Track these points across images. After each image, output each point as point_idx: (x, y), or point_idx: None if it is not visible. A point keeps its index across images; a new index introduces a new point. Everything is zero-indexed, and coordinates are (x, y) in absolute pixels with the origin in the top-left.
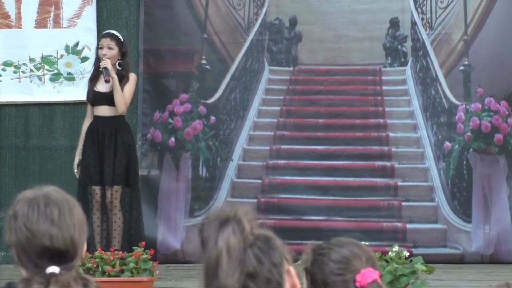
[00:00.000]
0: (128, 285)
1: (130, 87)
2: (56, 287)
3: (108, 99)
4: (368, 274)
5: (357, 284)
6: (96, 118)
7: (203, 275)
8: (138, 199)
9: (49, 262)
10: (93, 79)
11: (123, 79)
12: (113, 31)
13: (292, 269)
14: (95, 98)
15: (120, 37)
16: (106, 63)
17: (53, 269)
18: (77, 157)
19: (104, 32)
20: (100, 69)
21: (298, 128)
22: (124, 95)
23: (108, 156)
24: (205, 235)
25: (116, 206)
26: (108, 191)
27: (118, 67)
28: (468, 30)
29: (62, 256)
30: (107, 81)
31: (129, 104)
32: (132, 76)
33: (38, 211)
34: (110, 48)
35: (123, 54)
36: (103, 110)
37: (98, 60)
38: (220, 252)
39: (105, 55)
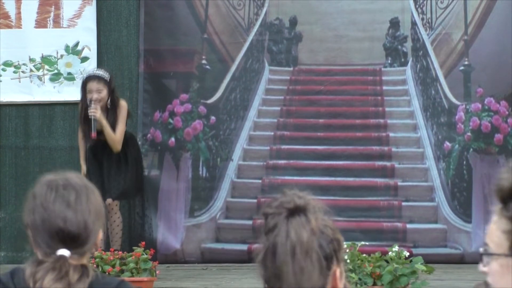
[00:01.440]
0: None
1: (121, 122)
2: (58, 275)
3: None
4: None
5: None
6: (99, 140)
7: (265, 262)
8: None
9: (61, 244)
10: (85, 122)
11: (114, 113)
12: (98, 73)
13: (338, 272)
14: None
15: (107, 77)
16: (95, 113)
17: (64, 251)
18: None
19: (89, 75)
20: (90, 116)
21: (298, 128)
22: (116, 135)
23: (114, 171)
24: (271, 223)
25: (116, 206)
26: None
27: (109, 106)
28: (468, 30)
29: (74, 239)
30: (93, 138)
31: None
32: (123, 107)
33: (56, 192)
34: (99, 92)
35: (112, 91)
36: (103, 143)
37: (85, 102)
38: (294, 245)
39: (96, 99)
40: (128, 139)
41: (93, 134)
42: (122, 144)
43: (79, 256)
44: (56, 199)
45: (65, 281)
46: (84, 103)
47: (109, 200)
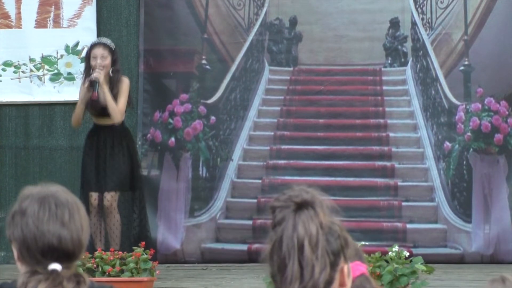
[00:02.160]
0: (128, 285)
1: (123, 95)
2: (50, 286)
3: (107, 109)
4: (356, 268)
5: None
6: (96, 127)
7: (272, 256)
8: (142, 203)
9: (52, 260)
10: (87, 88)
11: (115, 86)
12: (104, 40)
13: (346, 268)
14: (93, 107)
15: (112, 46)
16: (99, 76)
17: (55, 266)
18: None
19: (95, 42)
20: (92, 79)
21: (298, 128)
22: (118, 106)
23: (110, 162)
24: (279, 216)
25: (114, 209)
26: (107, 196)
27: (111, 74)
28: (468, 30)
29: (69, 256)
30: (94, 99)
31: (125, 111)
32: (125, 82)
33: (49, 211)
34: (104, 58)
35: (114, 61)
36: (104, 119)
37: (89, 69)
38: (303, 239)
39: (100, 65)
40: (127, 132)
41: (95, 94)
42: (121, 136)
43: (68, 269)
44: (50, 218)
45: None
46: (87, 70)
47: (106, 200)
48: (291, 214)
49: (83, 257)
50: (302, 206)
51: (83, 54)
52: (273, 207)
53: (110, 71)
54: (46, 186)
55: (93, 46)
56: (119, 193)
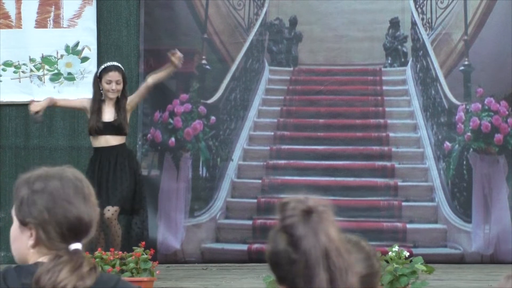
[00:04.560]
0: None
1: (128, 113)
2: (74, 267)
3: (113, 128)
4: None
5: None
6: (99, 150)
7: (299, 272)
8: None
9: (74, 238)
10: (98, 111)
11: (121, 107)
12: (117, 64)
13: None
14: (104, 128)
15: (123, 69)
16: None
17: (77, 245)
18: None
19: (110, 65)
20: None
21: (298, 128)
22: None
23: (112, 179)
24: (296, 233)
25: (115, 220)
26: (110, 210)
27: (119, 97)
28: (468, 30)
29: (87, 232)
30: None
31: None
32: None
33: (74, 187)
34: (118, 84)
35: (124, 86)
36: (107, 140)
37: (99, 91)
38: (325, 246)
39: (114, 90)
40: (129, 153)
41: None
42: (123, 156)
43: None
44: (76, 194)
45: (79, 273)
46: (97, 96)
47: (110, 213)
48: (306, 225)
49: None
50: (310, 213)
51: (83, 54)
52: (285, 226)
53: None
54: (49, 167)
55: (108, 69)
56: (119, 209)
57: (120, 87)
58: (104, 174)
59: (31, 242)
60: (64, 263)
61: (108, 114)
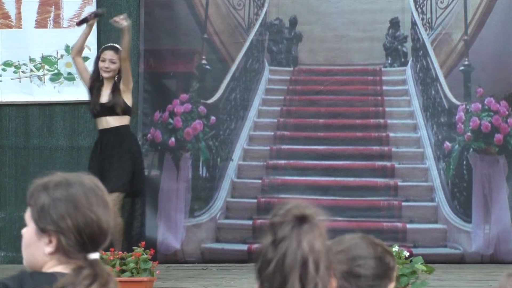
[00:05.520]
0: (128, 285)
1: (125, 93)
2: (94, 277)
3: (108, 109)
4: None
5: None
6: (101, 132)
7: (275, 273)
8: (142, 206)
9: (92, 247)
10: (93, 90)
11: (117, 87)
12: (116, 45)
13: (334, 284)
14: (101, 109)
15: (121, 50)
16: (124, 23)
17: (95, 255)
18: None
19: (107, 45)
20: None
21: (298, 128)
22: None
23: (112, 163)
24: (280, 234)
25: (115, 213)
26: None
27: (115, 80)
28: (468, 30)
29: (103, 240)
30: (104, 103)
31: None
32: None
33: (96, 196)
34: (113, 62)
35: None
36: (107, 121)
37: (97, 71)
38: (305, 255)
39: (107, 68)
40: (130, 135)
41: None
42: (122, 138)
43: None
44: (99, 203)
45: (101, 286)
46: (94, 74)
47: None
48: (292, 230)
49: None
50: (302, 220)
51: (83, 54)
52: (272, 224)
53: (116, 79)
54: (64, 173)
55: (105, 48)
56: (122, 196)
57: (114, 66)
58: (105, 159)
59: (49, 249)
60: (87, 276)
61: (105, 96)
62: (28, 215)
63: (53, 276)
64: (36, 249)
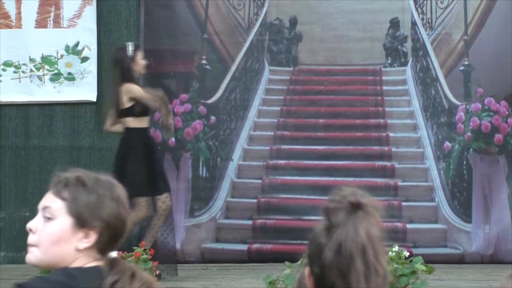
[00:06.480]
0: None
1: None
2: (133, 273)
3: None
4: None
5: None
6: (145, 130)
7: (331, 261)
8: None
9: (116, 245)
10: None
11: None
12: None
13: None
14: (148, 108)
15: None
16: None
17: (115, 253)
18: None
19: (136, 45)
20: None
21: (298, 128)
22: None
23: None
24: (334, 220)
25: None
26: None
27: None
28: (468, 30)
29: (121, 241)
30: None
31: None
32: None
33: (124, 195)
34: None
35: None
36: (148, 121)
37: (133, 73)
38: (363, 241)
39: (145, 65)
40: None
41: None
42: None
43: None
44: (126, 202)
45: (141, 280)
46: (135, 77)
47: (167, 201)
48: (348, 217)
49: None
50: (357, 207)
51: (83, 54)
52: (327, 209)
53: None
54: (88, 171)
55: (138, 47)
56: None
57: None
58: (155, 151)
59: (85, 244)
60: (127, 271)
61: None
62: (58, 209)
63: (97, 269)
64: (68, 244)
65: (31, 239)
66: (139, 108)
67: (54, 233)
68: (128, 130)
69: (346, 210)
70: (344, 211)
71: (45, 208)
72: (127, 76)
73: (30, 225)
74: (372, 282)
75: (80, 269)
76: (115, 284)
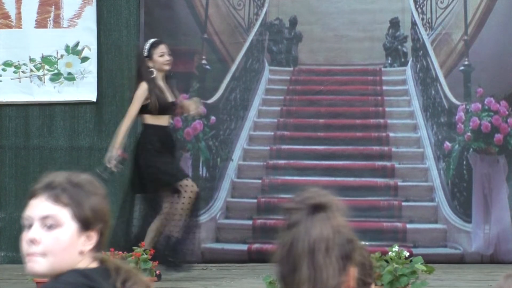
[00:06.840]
0: None
1: None
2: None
3: (174, 108)
4: None
5: None
6: (162, 128)
7: (285, 258)
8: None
9: None
10: (159, 89)
11: (173, 86)
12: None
13: (352, 271)
14: (170, 107)
15: None
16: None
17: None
18: (110, 153)
19: (156, 40)
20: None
21: (298, 128)
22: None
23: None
24: (293, 219)
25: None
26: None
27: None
28: (468, 30)
29: None
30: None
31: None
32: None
33: (104, 192)
34: (170, 55)
35: None
36: (167, 120)
37: (149, 71)
38: (313, 242)
39: (169, 60)
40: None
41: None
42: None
43: None
44: (107, 199)
45: (143, 277)
46: (150, 75)
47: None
48: (305, 217)
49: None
50: (316, 209)
51: (83, 54)
52: (287, 209)
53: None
54: (70, 172)
55: (157, 43)
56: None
57: (171, 58)
58: (176, 150)
59: (89, 247)
60: (129, 269)
61: (169, 93)
62: (62, 215)
63: (105, 269)
64: (74, 248)
65: (35, 249)
66: (154, 106)
67: (64, 240)
68: (145, 127)
69: (304, 211)
70: (302, 212)
71: (45, 217)
72: (140, 74)
73: (33, 236)
74: (319, 282)
75: (91, 270)
76: (126, 283)
